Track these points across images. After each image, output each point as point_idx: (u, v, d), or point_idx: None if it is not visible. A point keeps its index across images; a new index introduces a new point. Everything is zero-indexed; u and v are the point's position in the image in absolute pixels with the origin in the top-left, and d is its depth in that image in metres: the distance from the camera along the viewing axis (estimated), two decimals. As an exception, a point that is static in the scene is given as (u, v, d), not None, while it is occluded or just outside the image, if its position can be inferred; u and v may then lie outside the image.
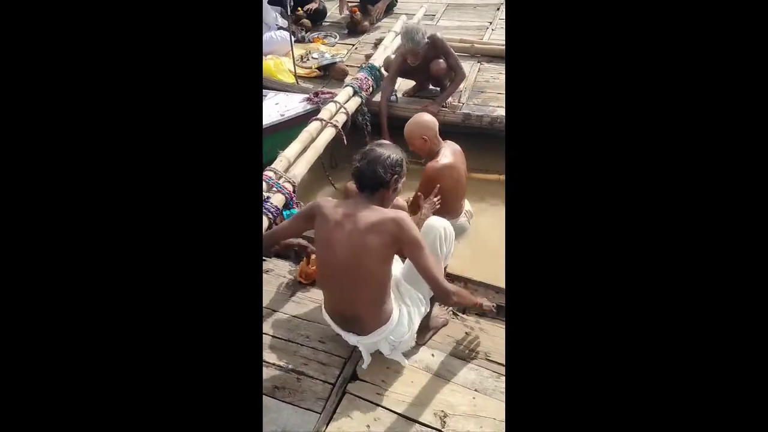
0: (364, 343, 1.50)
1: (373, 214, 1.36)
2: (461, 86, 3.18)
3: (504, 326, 1.68)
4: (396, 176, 1.43)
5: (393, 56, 3.12)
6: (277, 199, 2.12)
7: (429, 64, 2.90)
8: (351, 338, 1.52)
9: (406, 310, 1.50)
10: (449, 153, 2.16)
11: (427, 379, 1.53)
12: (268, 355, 1.60)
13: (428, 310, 1.57)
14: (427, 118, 2.18)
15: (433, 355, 1.60)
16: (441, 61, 2.89)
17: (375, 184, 1.41)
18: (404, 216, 1.37)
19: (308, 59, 3.68)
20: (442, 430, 1.38)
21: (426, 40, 2.79)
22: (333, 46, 3.98)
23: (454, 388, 1.50)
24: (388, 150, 1.44)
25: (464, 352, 1.61)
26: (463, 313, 1.75)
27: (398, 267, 1.59)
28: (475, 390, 1.49)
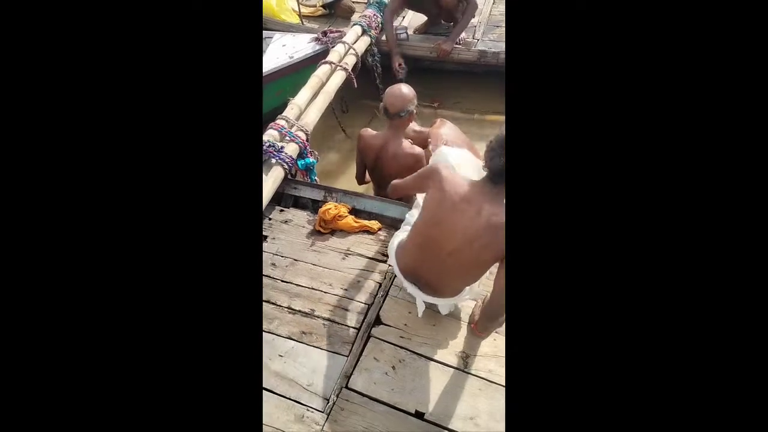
0: (424, 300, 1.50)
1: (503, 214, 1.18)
2: (475, 20, 3.00)
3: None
4: None
5: None
6: (291, 149, 2.08)
7: None
8: (414, 290, 1.48)
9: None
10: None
11: (448, 323, 1.58)
12: (294, 303, 1.66)
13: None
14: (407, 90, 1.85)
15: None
16: None
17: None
18: None
19: (312, -4, 3.47)
20: (465, 369, 1.45)
21: None
22: (337, -20, 3.73)
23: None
24: None
25: (483, 295, 1.65)
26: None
27: None
28: (496, 332, 1.54)
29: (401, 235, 1.56)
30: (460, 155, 1.57)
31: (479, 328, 1.51)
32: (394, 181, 1.61)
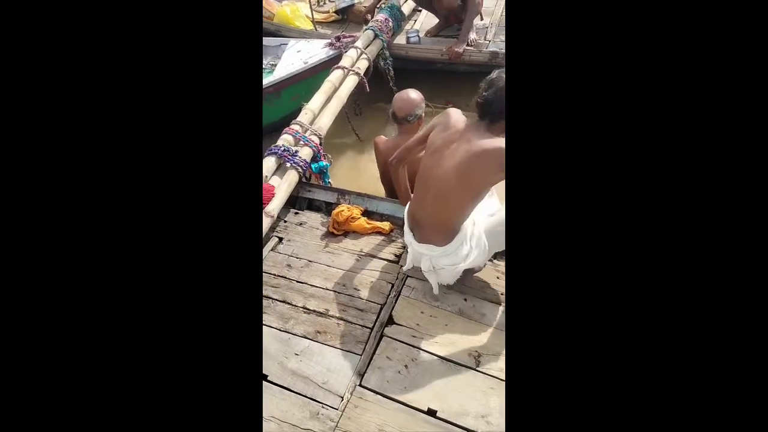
0: (413, 248, 1.59)
1: (491, 142, 1.35)
2: (486, 21, 3.01)
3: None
4: None
5: None
6: (305, 153, 2.13)
7: None
8: (409, 237, 1.60)
9: (465, 250, 1.52)
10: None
11: (461, 322, 1.59)
12: (308, 303, 1.70)
13: (482, 265, 1.64)
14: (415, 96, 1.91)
15: (465, 299, 1.66)
16: None
17: (498, 115, 1.36)
18: None
19: (325, 3, 3.53)
20: (477, 368, 1.46)
21: None
22: (350, -15, 3.78)
23: (487, 330, 1.56)
24: None
25: (496, 296, 1.66)
26: (495, 259, 1.78)
27: (485, 215, 1.60)
28: (508, 331, 1.55)
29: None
30: None
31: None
32: (405, 146, 1.63)
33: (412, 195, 1.63)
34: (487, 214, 1.60)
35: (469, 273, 1.68)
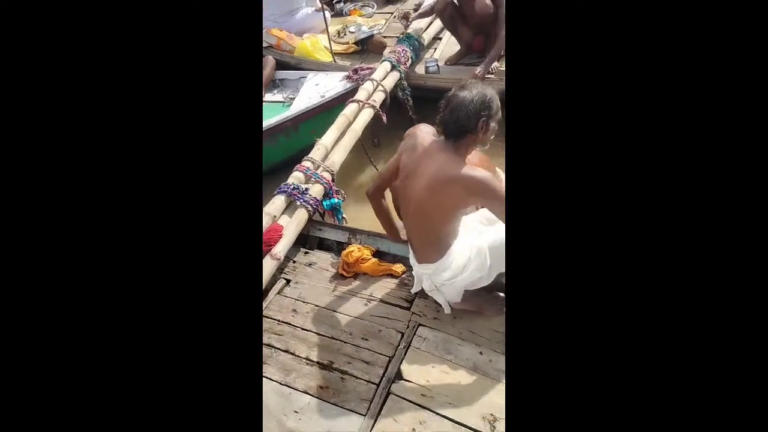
0: (415, 269, 1.60)
1: (455, 167, 1.33)
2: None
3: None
4: (484, 119, 1.33)
5: None
6: (315, 190, 2.07)
7: (474, 3, 2.62)
8: (412, 260, 1.60)
9: (464, 261, 1.48)
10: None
11: (475, 379, 1.45)
12: (312, 353, 1.60)
13: (487, 283, 1.55)
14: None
15: (481, 353, 1.52)
16: (487, 1, 2.60)
17: (459, 132, 1.34)
18: (488, 177, 1.32)
19: (345, 34, 3.54)
20: (492, 436, 1.31)
21: None
22: (371, 17, 3.80)
23: (504, 388, 1.41)
24: (472, 91, 1.33)
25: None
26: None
27: (496, 229, 1.54)
28: (528, 392, 1.39)
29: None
30: None
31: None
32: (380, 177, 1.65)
33: (398, 223, 1.68)
34: (498, 228, 1.52)
35: (477, 292, 1.58)
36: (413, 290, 1.68)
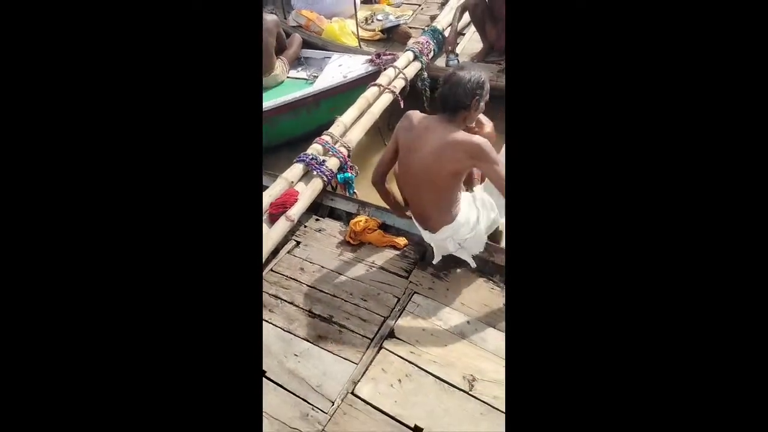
0: (435, 240, 1.76)
1: (456, 134, 1.53)
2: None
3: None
4: (477, 97, 1.54)
5: None
6: (332, 163, 2.21)
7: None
8: (426, 235, 1.78)
9: (475, 214, 1.73)
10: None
11: (460, 344, 1.59)
12: (315, 307, 1.75)
13: (502, 218, 1.83)
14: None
15: (468, 322, 1.66)
16: None
17: (456, 107, 1.54)
18: (485, 141, 1.53)
19: (372, 21, 3.65)
20: (469, 392, 1.45)
21: None
22: (399, 6, 3.91)
23: (485, 354, 1.56)
24: (470, 72, 1.54)
25: (499, 322, 1.65)
26: (504, 284, 1.77)
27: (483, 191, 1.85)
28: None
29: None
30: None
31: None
32: (379, 162, 1.84)
33: (404, 204, 1.85)
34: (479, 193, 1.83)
35: (495, 238, 1.87)
36: (435, 261, 1.83)
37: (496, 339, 1.59)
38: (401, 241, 1.98)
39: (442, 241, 1.75)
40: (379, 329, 1.66)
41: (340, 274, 1.88)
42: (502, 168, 1.51)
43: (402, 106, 2.78)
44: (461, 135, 1.54)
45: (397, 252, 1.96)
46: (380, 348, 1.60)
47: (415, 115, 1.68)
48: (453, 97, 1.53)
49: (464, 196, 1.73)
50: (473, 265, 1.80)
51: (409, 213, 1.89)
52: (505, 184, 1.50)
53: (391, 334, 1.64)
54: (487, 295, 1.74)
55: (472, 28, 3.27)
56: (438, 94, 1.59)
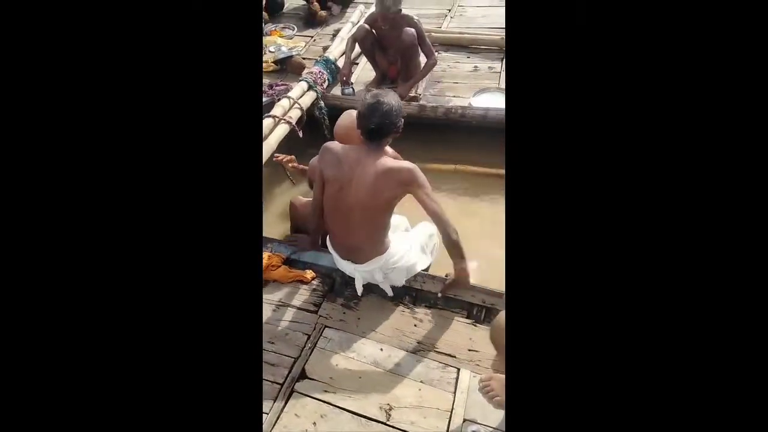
0: (360, 271, 1.72)
1: (387, 162, 1.56)
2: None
3: (453, 317, 1.72)
4: (401, 123, 1.59)
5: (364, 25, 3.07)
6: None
7: (400, 34, 2.85)
8: (348, 267, 1.75)
9: (406, 245, 1.75)
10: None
11: (375, 373, 1.56)
12: (217, 359, 1.61)
13: (425, 266, 1.84)
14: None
15: (381, 349, 1.63)
16: (412, 31, 2.84)
17: (388, 134, 1.57)
18: (414, 166, 1.56)
19: (265, 53, 3.61)
20: (387, 422, 1.42)
21: (399, 7, 2.78)
22: (291, 38, 3.92)
23: (401, 380, 1.54)
24: (389, 98, 1.55)
25: (412, 345, 1.65)
26: (414, 305, 1.78)
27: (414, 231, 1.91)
28: (421, 381, 1.53)
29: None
30: None
31: (458, 269, 1.66)
32: (314, 204, 1.81)
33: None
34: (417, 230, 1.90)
35: (419, 273, 1.82)
36: (360, 292, 1.78)
37: (409, 362, 1.59)
38: (309, 274, 1.92)
39: (368, 273, 1.72)
40: (290, 372, 1.57)
41: (244, 317, 1.76)
42: (432, 194, 1.55)
43: (301, 136, 2.76)
44: (391, 162, 1.56)
45: (305, 286, 1.89)
46: (292, 392, 1.51)
47: (337, 147, 1.64)
48: (386, 125, 1.53)
49: (394, 234, 1.75)
50: (390, 294, 1.77)
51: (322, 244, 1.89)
52: (437, 210, 1.56)
53: (303, 375, 1.56)
54: (398, 319, 1.74)
55: (364, 58, 3.37)
56: (368, 126, 1.54)
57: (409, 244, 1.78)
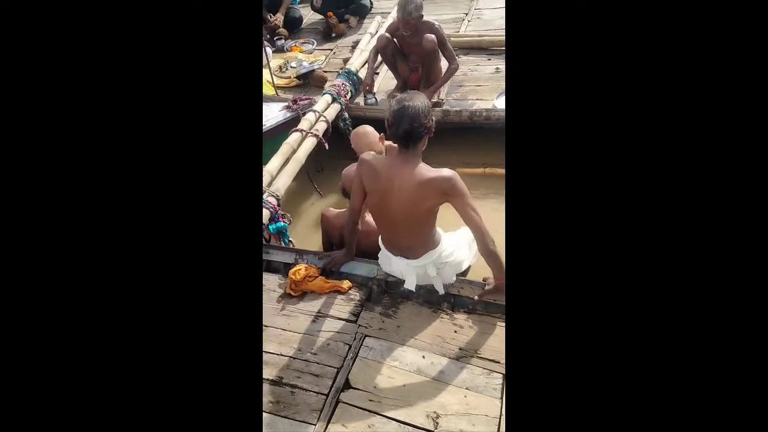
0: (413, 266, 1.73)
1: (422, 172, 1.54)
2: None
3: (495, 322, 1.70)
4: (432, 122, 1.55)
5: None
6: (262, 215, 2.14)
7: (421, 41, 2.86)
8: (401, 263, 1.75)
9: (454, 243, 1.79)
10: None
11: (419, 382, 1.55)
12: (262, 371, 1.63)
13: (470, 263, 1.88)
14: (370, 130, 2.21)
15: (423, 357, 1.62)
16: (432, 37, 2.85)
17: (420, 137, 1.54)
18: (454, 174, 1.54)
19: (287, 69, 3.69)
20: (435, 430, 1.40)
21: (420, 13, 2.80)
22: (311, 53, 3.99)
23: (446, 388, 1.52)
24: (414, 101, 1.52)
25: (454, 351, 1.63)
26: (452, 311, 1.77)
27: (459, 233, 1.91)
28: (466, 388, 1.51)
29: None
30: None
31: (498, 277, 1.65)
32: (350, 211, 1.84)
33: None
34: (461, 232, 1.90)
35: (457, 279, 1.84)
36: (412, 287, 1.76)
37: (452, 369, 1.57)
38: (345, 284, 1.93)
39: (421, 267, 1.73)
40: (334, 382, 1.57)
41: (285, 329, 1.78)
42: (472, 203, 1.54)
43: (327, 148, 2.79)
44: (431, 172, 1.54)
45: (343, 296, 1.90)
46: (338, 402, 1.51)
47: (374, 159, 1.65)
48: (417, 128, 1.50)
49: (439, 231, 1.78)
50: (441, 291, 1.77)
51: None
52: (476, 221, 1.55)
53: (347, 385, 1.56)
54: (438, 326, 1.72)
55: (385, 66, 3.40)
56: (399, 132, 1.52)
57: (457, 242, 1.81)
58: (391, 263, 1.81)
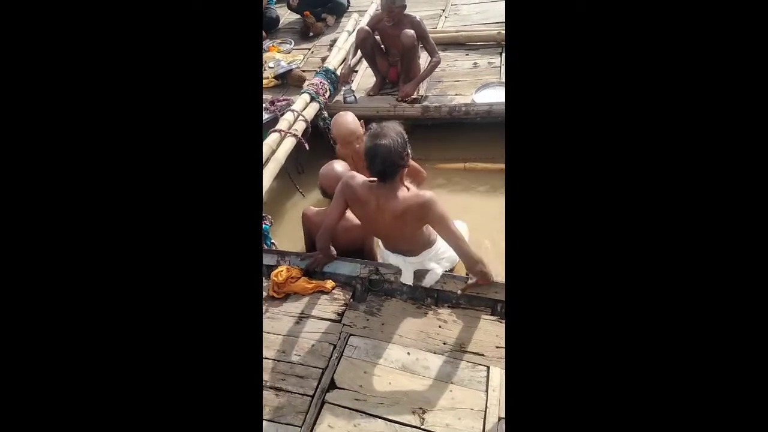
0: (410, 262, 1.81)
1: (400, 203, 1.59)
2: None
3: (479, 315, 1.70)
4: (406, 152, 1.59)
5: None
6: (241, 217, 2.11)
7: (400, 35, 2.86)
8: (397, 259, 1.82)
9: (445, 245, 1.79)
10: None
11: (404, 378, 1.55)
12: (245, 375, 1.61)
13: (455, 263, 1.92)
14: (351, 117, 2.27)
15: (408, 353, 1.62)
16: (412, 32, 2.84)
17: (395, 173, 1.58)
18: (428, 199, 1.57)
19: (264, 69, 3.65)
20: (421, 426, 1.40)
21: (404, 3, 2.82)
22: (289, 52, 3.95)
23: (431, 383, 1.52)
24: (389, 135, 1.54)
25: (439, 346, 1.63)
26: (436, 306, 1.77)
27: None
28: (452, 382, 1.51)
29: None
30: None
31: (481, 277, 1.68)
32: (325, 224, 1.85)
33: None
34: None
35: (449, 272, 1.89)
36: (409, 281, 1.80)
37: (437, 364, 1.57)
38: (329, 284, 1.91)
39: (420, 263, 1.80)
40: (319, 383, 1.56)
41: (269, 333, 1.76)
42: (451, 225, 1.58)
43: (307, 148, 2.77)
44: (407, 200, 1.58)
45: (326, 296, 1.89)
46: (323, 403, 1.50)
47: (357, 185, 1.67)
48: (390, 167, 1.55)
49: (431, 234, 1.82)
50: (428, 285, 1.78)
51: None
52: (457, 242, 1.59)
53: (333, 385, 1.55)
54: (422, 322, 1.72)
55: (364, 63, 3.39)
56: (374, 171, 1.57)
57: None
58: (389, 259, 1.88)
